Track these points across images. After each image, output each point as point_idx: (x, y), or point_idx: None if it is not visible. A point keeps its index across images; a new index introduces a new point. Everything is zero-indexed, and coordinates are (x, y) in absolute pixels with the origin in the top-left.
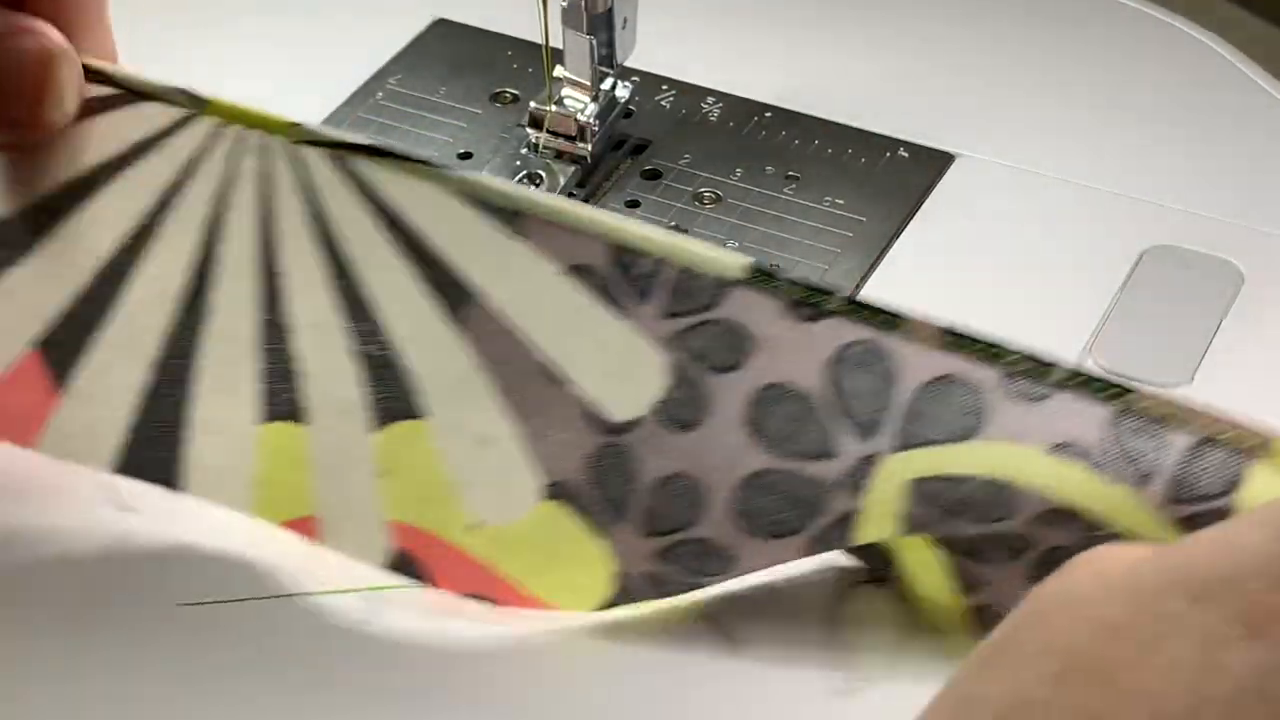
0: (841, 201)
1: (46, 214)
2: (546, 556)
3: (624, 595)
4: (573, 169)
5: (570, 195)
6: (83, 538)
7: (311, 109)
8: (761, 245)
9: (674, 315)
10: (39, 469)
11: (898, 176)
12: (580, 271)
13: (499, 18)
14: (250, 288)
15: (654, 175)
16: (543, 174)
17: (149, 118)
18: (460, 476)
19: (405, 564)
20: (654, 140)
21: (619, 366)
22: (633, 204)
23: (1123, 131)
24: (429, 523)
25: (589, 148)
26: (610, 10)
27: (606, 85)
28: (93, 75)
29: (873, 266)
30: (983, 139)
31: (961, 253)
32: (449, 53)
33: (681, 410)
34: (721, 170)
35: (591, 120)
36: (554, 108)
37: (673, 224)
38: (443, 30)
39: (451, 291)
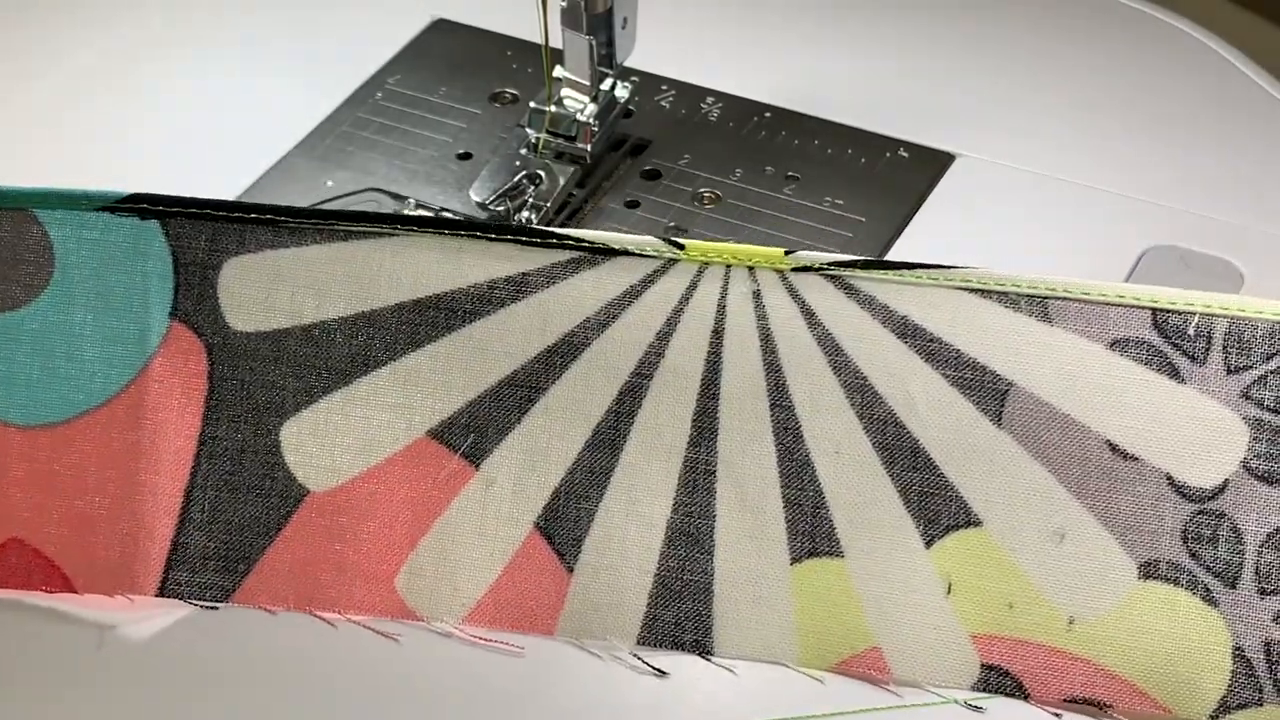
0: (841, 201)
1: (526, 389)
2: (1153, 642)
3: (1244, 667)
4: (573, 169)
5: (570, 195)
6: None
7: (312, 109)
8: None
9: (1236, 371)
10: None
11: (898, 176)
12: (1123, 345)
13: (499, 18)
14: (759, 426)
15: (654, 175)
16: (542, 174)
17: (623, 273)
18: (1043, 574)
19: (995, 679)
20: (654, 140)
21: (1191, 432)
22: (632, 204)
23: (1123, 132)
24: (1021, 630)
25: (589, 148)
26: (610, 10)
27: (606, 85)
28: (544, 235)
29: None
30: (983, 139)
31: (961, 253)
32: (449, 53)
33: (1270, 464)
34: (721, 170)
35: (591, 120)
36: (554, 108)
37: (672, 224)
38: (442, 30)
39: (985, 390)
